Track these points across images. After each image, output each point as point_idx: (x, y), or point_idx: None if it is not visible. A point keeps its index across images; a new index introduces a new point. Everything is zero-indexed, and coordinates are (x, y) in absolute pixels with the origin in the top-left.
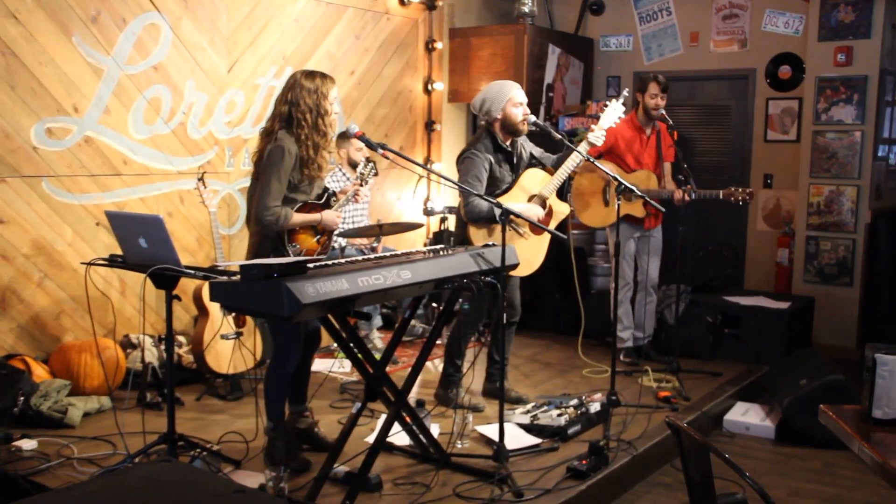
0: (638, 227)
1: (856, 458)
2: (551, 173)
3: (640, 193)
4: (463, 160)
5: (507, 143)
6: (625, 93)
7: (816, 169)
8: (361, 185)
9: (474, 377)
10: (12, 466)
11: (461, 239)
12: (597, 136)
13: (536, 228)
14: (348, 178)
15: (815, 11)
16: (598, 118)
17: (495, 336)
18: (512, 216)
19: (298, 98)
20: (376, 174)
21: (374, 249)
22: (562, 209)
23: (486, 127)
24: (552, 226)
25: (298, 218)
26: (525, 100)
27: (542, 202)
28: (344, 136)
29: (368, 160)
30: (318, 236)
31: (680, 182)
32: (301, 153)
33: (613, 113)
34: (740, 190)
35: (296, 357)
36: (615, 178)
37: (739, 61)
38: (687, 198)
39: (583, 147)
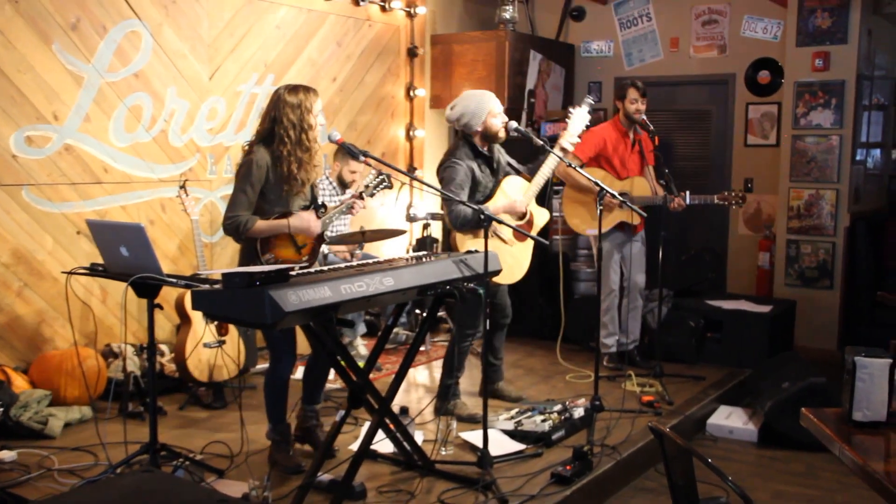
0: (627, 233)
1: (838, 460)
2: (528, 180)
3: (621, 199)
4: (444, 169)
5: (485, 148)
6: (587, 100)
7: (796, 173)
8: (361, 198)
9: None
10: None
11: (447, 246)
12: (569, 141)
13: (520, 235)
14: (335, 188)
15: (792, 17)
16: (565, 122)
17: (486, 340)
18: (495, 222)
19: (281, 114)
20: (389, 186)
21: (353, 256)
22: (541, 216)
23: (463, 135)
24: (533, 233)
25: (263, 225)
26: (502, 108)
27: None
28: (343, 153)
29: (380, 173)
30: (300, 247)
31: (662, 186)
32: (281, 169)
33: (580, 119)
34: (734, 193)
35: (290, 361)
36: (601, 186)
37: (719, 66)
38: (683, 203)
39: (556, 151)
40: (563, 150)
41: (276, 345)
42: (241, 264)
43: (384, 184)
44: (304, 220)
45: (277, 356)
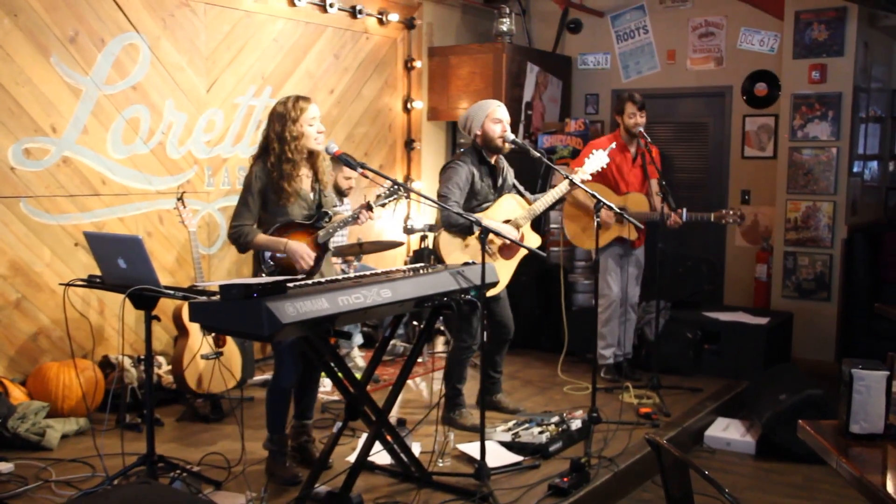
0: (625, 247)
1: (835, 472)
2: (529, 204)
3: (618, 212)
4: (446, 169)
5: (492, 159)
6: (613, 146)
7: (793, 185)
8: (370, 209)
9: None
10: None
11: (435, 250)
12: (580, 178)
13: (507, 253)
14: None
15: (789, 30)
16: (578, 137)
17: (486, 352)
18: (489, 234)
19: (269, 128)
20: (402, 197)
21: (349, 266)
22: (533, 241)
23: (472, 142)
24: (520, 255)
25: (265, 239)
26: (505, 118)
27: (516, 229)
28: (335, 162)
29: (395, 183)
30: None
31: (661, 199)
32: (272, 180)
33: (598, 161)
34: (731, 212)
35: (293, 372)
36: (598, 199)
37: (716, 79)
38: (679, 220)
39: (564, 186)
40: (573, 184)
41: (281, 354)
42: (253, 265)
43: (396, 195)
44: (301, 249)
45: (280, 365)
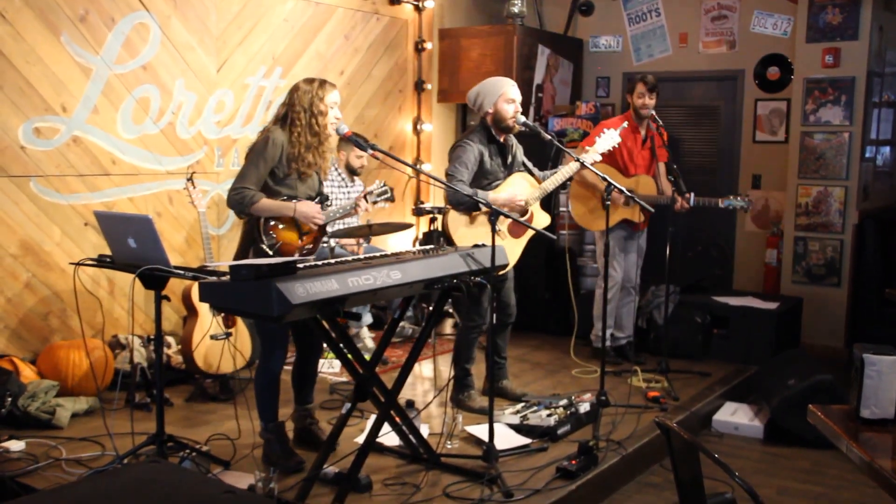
0: (630, 229)
1: (844, 457)
2: (538, 182)
3: (629, 195)
4: (454, 148)
5: (502, 138)
6: (624, 125)
7: (804, 170)
8: (366, 200)
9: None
10: (0, 468)
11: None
12: (591, 158)
13: (516, 231)
14: (343, 179)
15: (802, 13)
16: (588, 120)
17: (490, 336)
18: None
19: (295, 100)
20: (391, 200)
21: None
22: (542, 219)
23: (481, 120)
24: (530, 233)
25: (270, 203)
26: (518, 97)
27: (526, 207)
28: (345, 142)
29: (384, 184)
30: (304, 233)
31: (671, 182)
32: (291, 150)
33: (609, 140)
34: (739, 197)
35: (281, 356)
36: (608, 182)
37: (728, 62)
38: (686, 205)
39: (574, 165)
40: (582, 164)
41: (269, 338)
42: (241, 246)
43: (386, 195)
44: (311, 209)
45: (269, 350)
